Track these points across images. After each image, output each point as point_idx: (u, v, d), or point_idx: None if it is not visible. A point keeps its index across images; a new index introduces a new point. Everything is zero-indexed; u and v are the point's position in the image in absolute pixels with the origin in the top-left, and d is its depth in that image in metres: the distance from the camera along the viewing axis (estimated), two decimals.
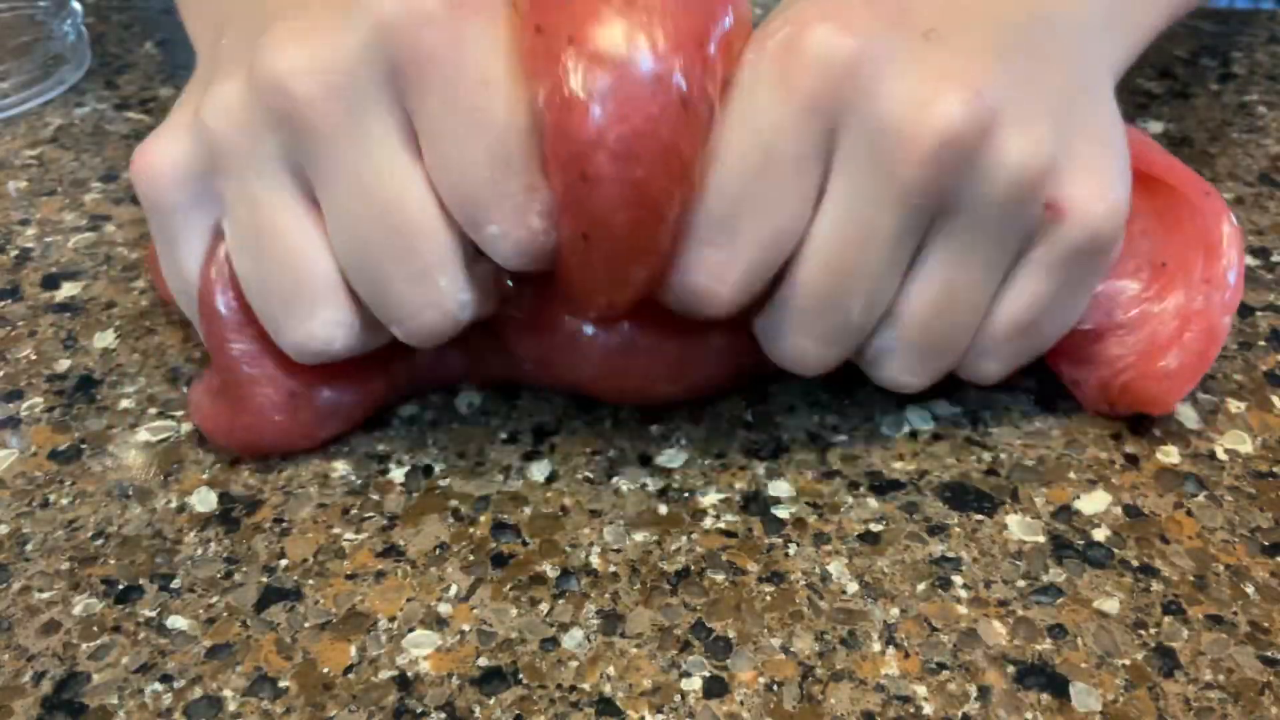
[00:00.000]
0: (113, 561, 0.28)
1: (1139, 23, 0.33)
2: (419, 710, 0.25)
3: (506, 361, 0.31)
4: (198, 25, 0.34)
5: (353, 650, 0.26)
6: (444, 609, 0.27)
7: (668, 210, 0.25)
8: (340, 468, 0.30)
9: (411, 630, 0.26)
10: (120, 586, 0.27)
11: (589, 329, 0.29)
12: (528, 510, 0.29)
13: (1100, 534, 0.29)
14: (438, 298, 0.27)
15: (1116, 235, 0.28)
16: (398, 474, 0.30)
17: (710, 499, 0.30)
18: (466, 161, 0.25)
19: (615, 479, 0.30)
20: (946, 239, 0.27)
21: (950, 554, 0.28)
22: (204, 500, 0.30)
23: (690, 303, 0.27)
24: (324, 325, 0.28)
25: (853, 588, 0.27)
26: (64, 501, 0.30)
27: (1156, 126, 0.45)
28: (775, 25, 0.26)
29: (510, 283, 0.29)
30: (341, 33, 0.26)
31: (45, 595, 0.27)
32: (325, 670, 0.25)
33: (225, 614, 0.27)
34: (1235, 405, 0.32)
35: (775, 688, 0.25)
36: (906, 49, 0.26)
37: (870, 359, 0.29)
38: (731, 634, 0.26)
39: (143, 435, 0.32)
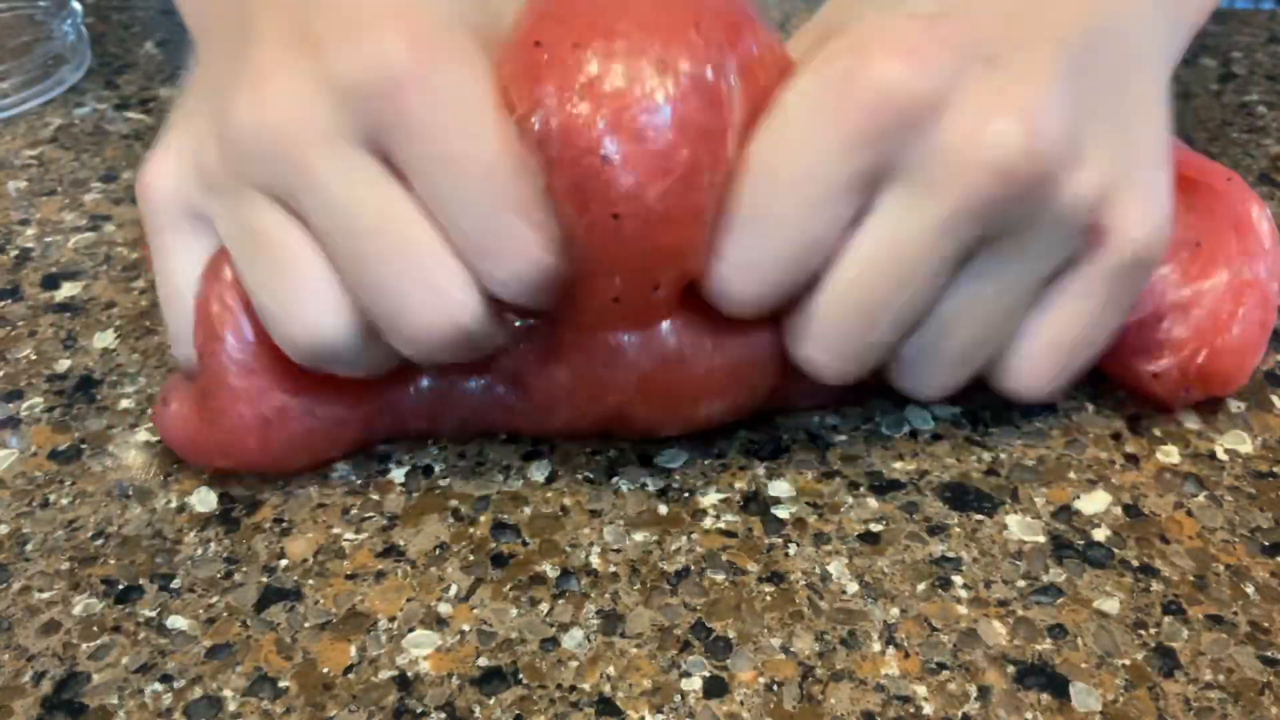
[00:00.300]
0: (113, 561, 0.28)
1: (1194, 3, 0.32)
2: (419, 710, 0.25)
3: (497, 409, 0.30)
4: (198, 22, 0.34)
5: (353, 650, 0.26)
6: (444, 609, 0.27)
7: (697, 177, 0.25)
8: (340, 468, 0.30)
9: (411, 630, 0.26)
10: (120, 586, 0.27)
11: (627, 338, 0.28)
12: (528, 510, 0.29)
13: (1100, 534, 0.29)
14: (440, 300, 0.25)
15: (1159, 255, 0.28)
16: (398, 474, 0.30)
17: (710, 499, 0.30)
18: (466, 209, 0.25)
19: (615, 479, 0.30)
20: (985, 260, 0.27)
21: (950, 554, 0.28)
22: (204, 500, 0.30)
23: (712, 303, 0.27)
24: (321, 318, 0.26)
25: (853, 588, 0.27)
26: (64, 501, 0.30)
27: None
28: (835, 49, 0.25)
29: (518, 322, 0.28)
30: (313, 93, 0.25)
31: (45, 595, 0.27)
32: (325, 670, 0.25)
33: (225, 614, 0.27)
34: (1235, 405, 0.32)
35: (775, 688, 0.25)
36: (968, 76, 0.25)
37: (893, 367, 0.29)
38: (731, 634, 0.26)
39: (143, 435, 0.32)
